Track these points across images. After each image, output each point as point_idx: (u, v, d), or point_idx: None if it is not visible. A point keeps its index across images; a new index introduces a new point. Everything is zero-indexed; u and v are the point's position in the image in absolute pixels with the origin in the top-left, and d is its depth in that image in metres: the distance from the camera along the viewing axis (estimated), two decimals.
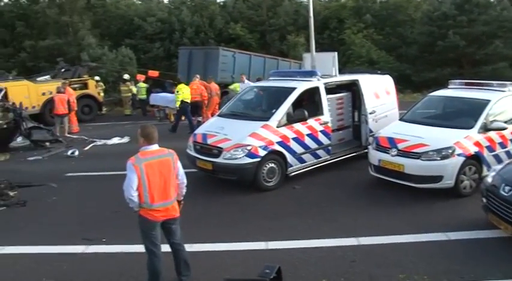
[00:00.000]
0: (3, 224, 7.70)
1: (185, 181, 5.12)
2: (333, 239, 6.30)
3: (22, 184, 9.76)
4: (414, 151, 7.74)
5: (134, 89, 20.96)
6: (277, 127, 8.65)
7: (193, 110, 16.08)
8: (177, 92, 15.50)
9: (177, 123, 15.76)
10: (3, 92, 15.68)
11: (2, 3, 32.09)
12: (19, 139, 14.40)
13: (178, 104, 15.48)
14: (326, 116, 9.42)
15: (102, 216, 7.79)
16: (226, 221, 7.24)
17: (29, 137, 14.20)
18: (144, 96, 20.18)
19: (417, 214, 7.14)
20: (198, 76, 16.74)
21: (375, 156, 8.41)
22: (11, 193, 9.13)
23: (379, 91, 10.45)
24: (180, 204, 5.14)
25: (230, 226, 7.05)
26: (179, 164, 5.03)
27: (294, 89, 9.17)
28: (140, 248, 5.89)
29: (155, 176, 4.74)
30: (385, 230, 6.51)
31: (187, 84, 16.25)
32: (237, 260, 5.84)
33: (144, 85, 20.42)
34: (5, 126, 13.96)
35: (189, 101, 15.65)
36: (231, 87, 18.02)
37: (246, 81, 16.54)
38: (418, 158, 7.65)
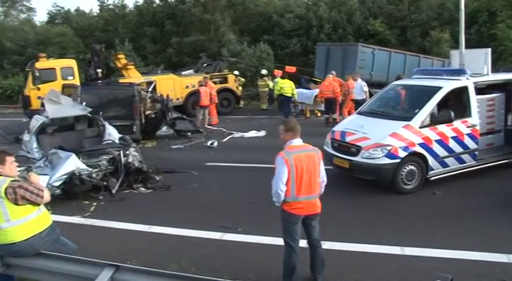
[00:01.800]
0: (150, 206, 8.40)
1: (325, 179, 5.13)
2: (477, 252, 5.78)
3: (167, 169, 10.53)
4: None
5: (271, 84, 21.43)
6: (420, 128, 8.23)
7: (327, 107, 16.02)
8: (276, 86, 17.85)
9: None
10: (153, 85, 17.12)
11: (155, 5, 35.05)
12: (164, 128, 15.48)
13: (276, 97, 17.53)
14: (474, 119, 8.72)
15: (238, 206, 8.07)
16: (360, 221, 7.09)
17: (173, 127, 15.15)
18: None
19: None
20: (333, 73, 16.63)
21: None
22: (157, 178, 9.90)
23: None
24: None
25: (364, 226, 6.89)
26: (322, 163, 5.05)
27: (439, 88, 8.65)
28: (274, 240, 6.08)
29: (303, 170, 4.79)
30: None
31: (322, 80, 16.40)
32: (371, 263, 5.68)
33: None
34: (153, 115, 15.21)
35: (289, 94, 17.19)
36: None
37: (359, 80, 15.86)
38: None
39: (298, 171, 4.77)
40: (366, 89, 15.18)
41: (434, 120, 8.35)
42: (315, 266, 5.15)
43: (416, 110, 8.51)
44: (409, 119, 8.40)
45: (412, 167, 8.15)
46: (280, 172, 4.77)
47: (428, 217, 7.17)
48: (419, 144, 8.14)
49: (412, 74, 10.58)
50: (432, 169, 8.34)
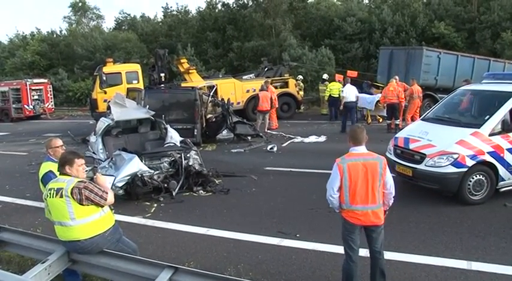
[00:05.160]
0: (209, 209, 8.47)
1: (393, 191, 4.86)
2: None
3: (226, 173, 10.61)
4: None
5: None
6: (490, 136, 7.79)
7: (390, 112, 15.60)
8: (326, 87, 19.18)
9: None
10: (214, 89, 17.37)
11: (217, 10, 35.70)
12: (224, 132, 15.65)
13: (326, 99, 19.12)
14: None
15: (297, 212, 7.98)
16: (424, 232, 6.78)
17: (234, 130, 15.28)
18: None
19: None
20: (396, 77, 16.24)
21: None
22: (217, 181, 9.99)
23: None
24: (385, 213, 4.90)
25: (428, 237, 6.58)
26: (388, 172, 4.80)
27: None
28: (332, 248, 6.05)
29: (358, 178, 4.63)
30: None
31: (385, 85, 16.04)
32: (434, 277, 5.41)
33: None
34: (214, 119, 15.42)
35: (336, 95, 18.18)
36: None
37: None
38: None
39: (352, 179, 4.62)
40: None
41: (507, 127, 7.88)
42: (374, 277, 4.97)
43: (486, 117, 8.08)
44: (478, 126, 7.98)
45: (480, 177, 7.73)
46: (332, 177, 4.72)
47: (498, 230, 6.73)
48: (488, 152, 7.71)
49: (482, 78, 10.06)
50: (503, 180, 7.87)
